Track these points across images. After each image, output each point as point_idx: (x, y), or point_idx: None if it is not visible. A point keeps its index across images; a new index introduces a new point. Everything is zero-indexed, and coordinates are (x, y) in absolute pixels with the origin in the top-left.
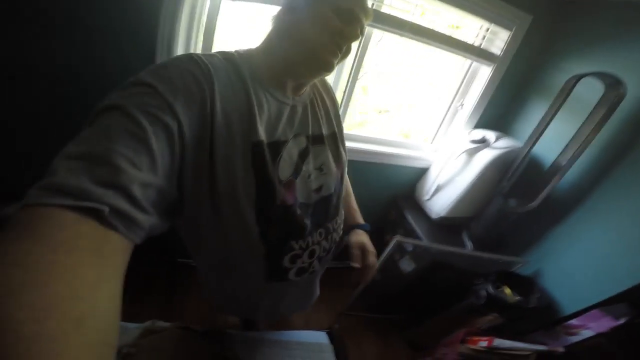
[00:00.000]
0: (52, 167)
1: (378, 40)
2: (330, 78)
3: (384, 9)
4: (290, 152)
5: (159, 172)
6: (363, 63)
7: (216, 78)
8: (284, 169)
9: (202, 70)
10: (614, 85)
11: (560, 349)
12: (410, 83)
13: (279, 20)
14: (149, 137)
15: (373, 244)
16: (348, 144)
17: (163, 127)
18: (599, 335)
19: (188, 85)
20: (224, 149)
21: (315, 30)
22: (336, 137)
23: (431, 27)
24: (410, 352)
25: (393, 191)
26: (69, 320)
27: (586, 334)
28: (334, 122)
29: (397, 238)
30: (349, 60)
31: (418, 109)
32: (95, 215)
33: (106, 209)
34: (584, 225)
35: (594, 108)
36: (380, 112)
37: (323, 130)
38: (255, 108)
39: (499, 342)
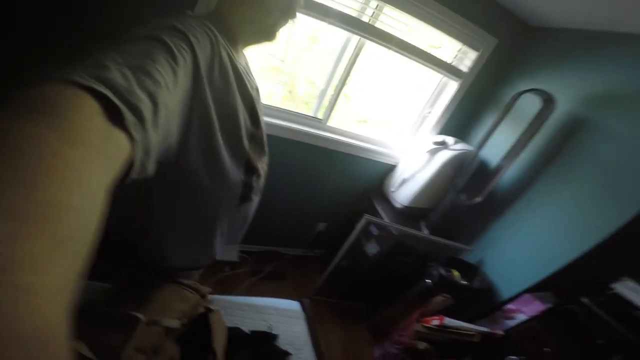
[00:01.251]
0: (100, 61)
1: (367, 53)
2: (320, 84)
3: (378, 25)
4: (257, 99)
5: (175, 101)
6: (351, 72)
7: (215, 41)
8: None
9: (207, 27)
10: (548, 101)
11: (500, 332)
12: (388, 93)
13: None
14: (179, 68)
15: (345, 231)
16: (332, 136)
17: (187, 65)
18: (531, 319)
19: (204, 38)
20: (221, 94)
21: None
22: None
23: (414, 44)
24: (372, 338)
25: (365, 183)
26: (52, 242)
27: (521, 317)
28: None
29: (366, 217)
30: (340, 67)
31: (392, 115)
32: (117, 113)
33: (140, 109)
34: (520, 218)
35: (532, 120)
36: (358, 122)
37: (256, 82)
38: (240, 67)
39: (449, 321)
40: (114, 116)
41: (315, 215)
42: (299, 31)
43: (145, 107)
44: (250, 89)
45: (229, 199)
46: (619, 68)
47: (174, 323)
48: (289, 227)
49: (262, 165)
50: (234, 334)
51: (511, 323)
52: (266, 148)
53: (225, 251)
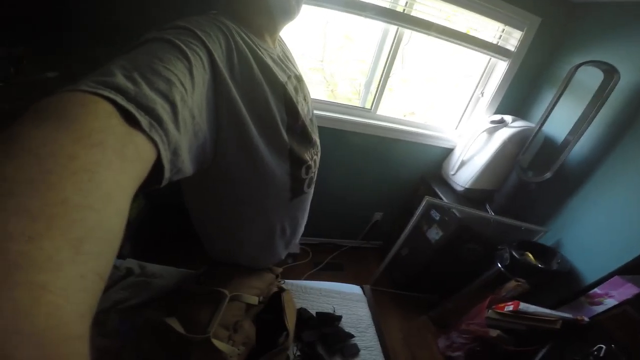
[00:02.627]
0: (106, 70)
1: (406, 43)
2: (363, 77)
3: (414, 13)
4: (291, 88)
5: (195, 98)
6: (394, 64)
7: (229, 33)
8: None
9: (220, 22)
10: (609, 72)
11: (585, 318)
12: (434, 81)
13: None
14: (193, 65)
15: (402, 219)
16: (382, 123)
17: (202, 60)
18: (623, 303)
19: (215, 32)
20: (247, 86)
21: None
22: (302, 77)
23: (454, 28)
24: (435, 329)
25: (421, 169)
26: (69, 241)
27: (610, 302)
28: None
29: (427, 198)
30: (382, 60)
31: (442, 102)
32: (132, 116)
33: (155, 109)
34: (599, 193)
35: (595, 92)
36: (405, 115)
37: (296, 71)
38: (267, 58)
39: (525, 307)
40: (130, 120)
41: (371, 205)
42: (334, 30)
43: (160, 107)
44: (282, 79)
45: (280, 194)
46: None
47: (254, 299)
48: (345, 219)
49: (311, 157)
50: (301, 314)
51: (599, 309)
52: (314, 138)
53: None
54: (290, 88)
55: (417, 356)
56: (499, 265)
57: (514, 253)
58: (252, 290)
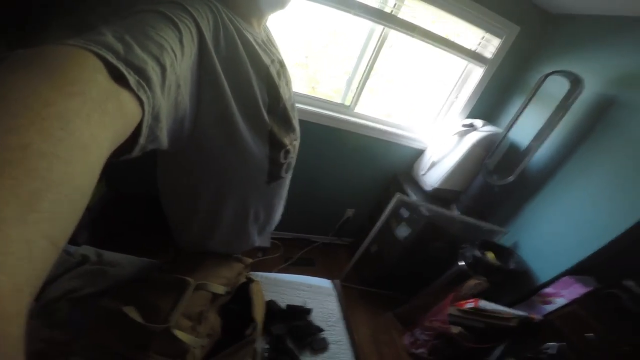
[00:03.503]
0: (96, 31)
1: (390, 45)
2: (344, 78)
3: (400, 15)
4: (274, 71)
5: (183, 68)
6: (376, 63)
7: (217, 12)
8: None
9: (209, 1)
10: (575, 82)
11: (539, 317)
12: (413, 83)
13: None
14: (183, 35)
15: (374, 216)
16: (360, 120)
17: (190, 33)
18: (572, 303)
19: (204, 9)
20: (231, 64)
21: None
22: (284, 63)
23: (437, 32)
24: (401, 326)
25: (394, 168)
26: (20, 195)
27: (560, 302)
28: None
29: (398, 195)
30: (365, 58)
31: (418, 105)
32: (121, 75)
33: (145, 70)
34: (555, 198)
35: (560, 101)
36: (384, 115)
37: (279, 56)
38: (250, 37)
39: (484, 304)
40: (118, 78)
41: (344, 202)
42: (322, 27)
43: (150, 68)
44: (266, 61)
45: (257, 176)
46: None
47: (220, 289)
48: (317, 214)
49: (290, 141)
50: (271, 307)
51: (550, 307)
52: (294, 124)
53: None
54: (272, 71)
55: (383, 353)
56: (462, 263)
57: (476, 252)
58: (219, 279)
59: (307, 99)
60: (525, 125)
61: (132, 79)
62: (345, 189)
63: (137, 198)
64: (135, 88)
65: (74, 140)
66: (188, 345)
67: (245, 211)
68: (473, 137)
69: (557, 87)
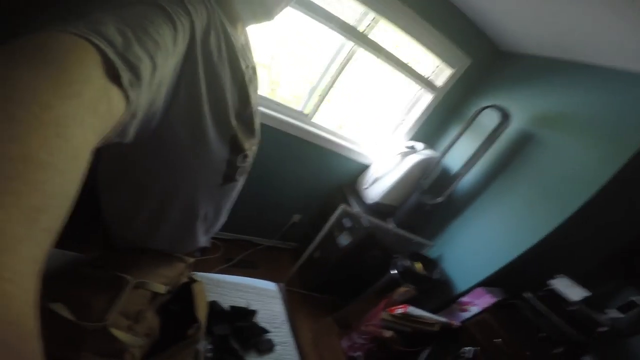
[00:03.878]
0: (97, 17)
1: (354, 61)
2: (307, 83)
3: (371, 36)
4: (247, 78)
5: (169, 66)
6: (341, 75)
7: (211, 11)
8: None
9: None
10: (504, 116)
11: (457, 323)
12: (368, 99)
13: None
14: (178, 34)
15: (318, 223)
16: (315, 130)
17: (184, 32)
18: (483, 311)
19: (201, 7)
20: (213, 66)
21: None
22: (256, 70)
23: (399, 57)
24: (339, 330)
25: (340, 179)
26: (25, 211)
27: (474, 310)
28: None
29: (343, 206)
30: (331, 71)
31: (370, 119)
32: (114, 70)
33: (139, 68)
34: (474, 218)
35: (490, 132)
36: (337, 126)
37: (253, 63)
38: (235, 42)
39: (412, 309)
40: (111, 73)
41: (291, 207)
42: (292, 31)
43: (144, 67)
44: (243, 67)
45: (212, 177)
46: (568, 92)
47: (161, 288)
48: (263, 217)
49: (250, 147)
50: (213, 308)
51: (466, 315)
52: (256, 130)
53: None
54: (246, 77)
55: (324, 356)
56: (394, 271)
57: (406, 262)
58: (159, 278)
59: (268, 102)
60: (458, 152)
61: (125, 76)
62: (293, 194)
63: None
64: (127, 87)
65: (70, 147)
66: (125, 344)
67: (195, 211)
68: (413, 159)
69: (489, 119)
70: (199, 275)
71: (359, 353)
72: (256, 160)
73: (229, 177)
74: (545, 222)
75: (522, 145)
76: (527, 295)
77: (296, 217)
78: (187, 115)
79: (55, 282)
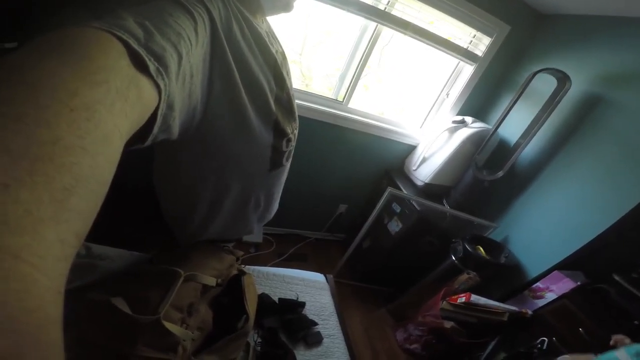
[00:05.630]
0: (117, 14)
1: (383, 43)
2: (336, 76)
3: (395, 12)
4: (279, 61)
5: (196, 57)
6: (369, 61)
7: (227, 1)
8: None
9: None
10: (562, 80)
11: (529, 312)
12: (405, 80)
13: None
14: (198, 25)
15: (366, 212)
16: (352, 116)
17: (204, 22)
18: (561, 297)
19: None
20: (241, 53)
21: None
22: (285, 55)
23: (429, 29)
24: (393, 321)
25: (386, 164)
26: (53, 191)
27: (550, 296)
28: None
29: (390, 189)
30: (358, 54)
31: (410, 102)
32: (140, 60)
33: (164, 57)
34: (543, 193)
35: (548, 98)
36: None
37: (281, 48)
38: (259, 29)
39: (476, 298)
40: (137, 62)
41: (336, 197)
42: (315, 25)
43: (169, 55)
44: (273, 51)
45: (260, 164)
46: (632, 49)
47: (211, 281)
48: (310, 210)
49: (292, 130)
50: (263, 300)
51: (541, 302)
52: (295, 113)
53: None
54: (278, 60)
55: (377, 348)
56: (453, 257)
57: (466, 246)
58: (209, 271)
59: (301, 94)
60: (514, 122)
61: (152, 65)
62: (338, 184)
63: (129, 191)
64: (154, 75)
65: (99, 131)
66: (178, 337)
67: (247, 198)
68: (463, 134)
69: (545, 85)
70: (250, 268)
71: (415, 345)
72: (297, 154)
73: (277, 163)
74: (630, 193)
75: (589, 108)
76: (617, 277)
77: (342, 208)
78: (228, 105)
79: (119, 279)
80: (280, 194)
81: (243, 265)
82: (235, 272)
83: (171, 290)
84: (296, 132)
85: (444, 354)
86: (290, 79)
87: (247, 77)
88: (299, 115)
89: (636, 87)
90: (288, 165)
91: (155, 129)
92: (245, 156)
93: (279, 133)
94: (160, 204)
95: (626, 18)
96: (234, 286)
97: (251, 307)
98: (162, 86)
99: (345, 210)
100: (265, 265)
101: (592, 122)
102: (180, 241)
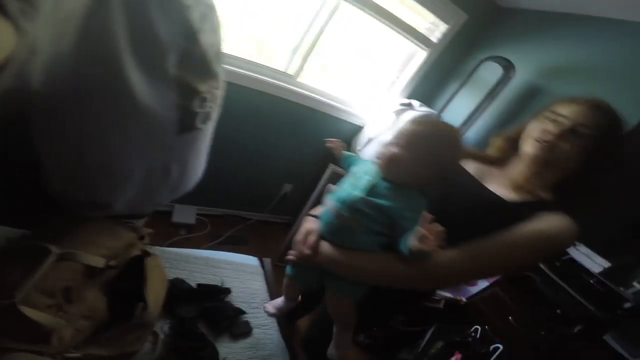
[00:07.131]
0: None
1: (339, 19)
2: (291, 45)
3: None
4: (195, 14)
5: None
6: (323, 36)
7: None
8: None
9: None
10: (507, 68)
11: (463, 299)
12: (358, 59)
13: None
14: None
15: (311, 188)
16: (302, 91)
17: None
18: (493, 285)
19: None
20: (137, 7)
21: None
22: (214, 7)
23: (389, 9)
24: None
25: None
26: None
27: (483, 284)
28: None
29: (332, 166)
30: (314, 28)
31: (361, 81)
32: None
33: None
34: None
35: (492, 86)
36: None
37: (208, 0)
38: None
39: None
40: None
41: (281, 176)
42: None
43: None
44: (182, 1)
45: (161, 127)
46: (575, 44)
47: (97, 261)
48: (252, 189)
49: (210, 90)
50: (176, 285)
51: (474, 289)
52: (216, 71)
53: (181, 213)
54: (194, 13)
55: None
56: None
57: None
58: (98, 249)
59: (249, 65)
60: (458, 109)
61: (13, 5)
62: (283, 162)
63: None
64: (16, 16)
65: None
66: (45, 326)
67: (151, 166)
68: (409, 116)
69: (492, 74)
70: (164, 250)
71: (360, 334)
72: (240, 127)
73: (187, 125)
74: None
75: (529, 98)
76: (542, 266)
77: (288, 187)
78: (99, 56)
79: None
80: (202, 163)
81: (149, 246)
82: (137, 252)
83: (36, 270)
84: (217, 92)
85: (388, 343)
86: (216, 35)
87: (136, 28)
88: (246, 87)
89: (573, 79)
90: (207, 129)
91: (6, 76)
92: (134, 115)
93: (187, 92)
94: (42, 174)
95: (578, 15)
96: (136, 269)
97: (154, 293)
98: (26, 28)
99: (290, 190)
100: (198, 248)
101: (531, 112)
102: (72, 214)
